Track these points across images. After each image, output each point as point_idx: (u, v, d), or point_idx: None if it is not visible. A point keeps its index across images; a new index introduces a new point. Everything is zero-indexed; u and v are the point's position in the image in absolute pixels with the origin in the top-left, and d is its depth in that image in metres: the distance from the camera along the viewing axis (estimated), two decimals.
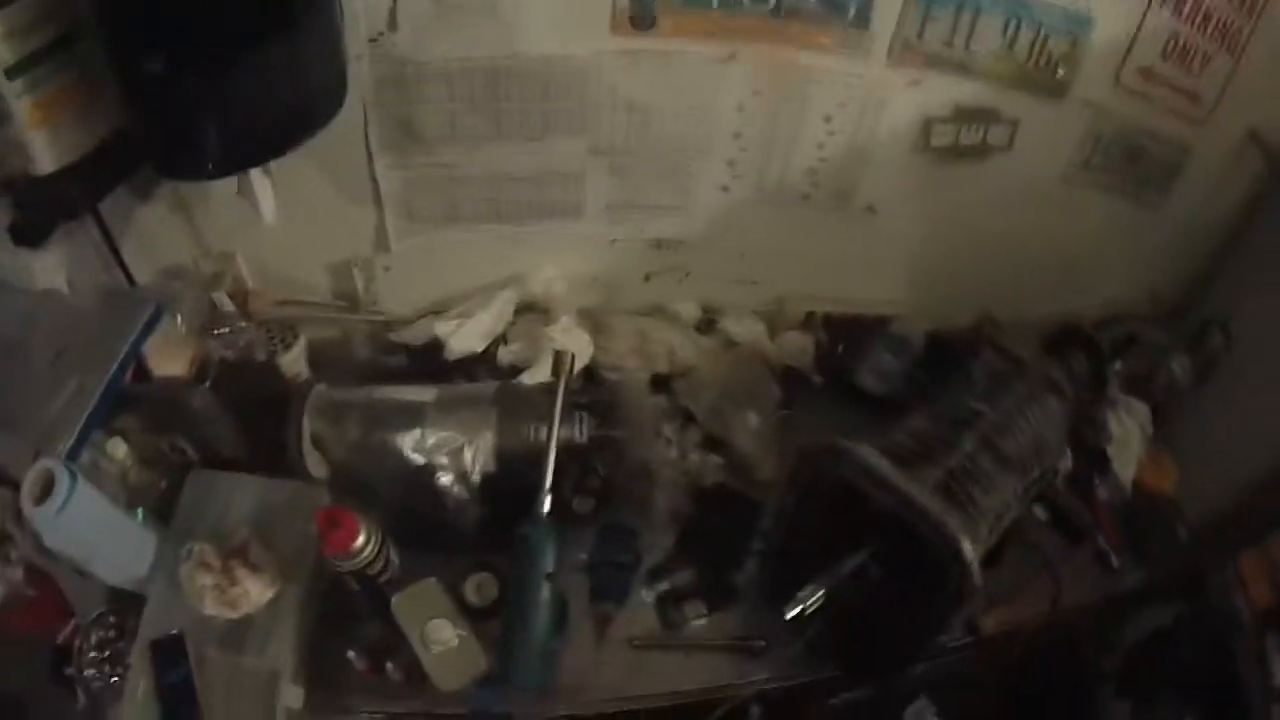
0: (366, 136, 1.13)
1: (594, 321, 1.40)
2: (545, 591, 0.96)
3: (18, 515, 1.08)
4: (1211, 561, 1.41)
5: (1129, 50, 1.18)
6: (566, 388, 1.07)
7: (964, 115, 1.21)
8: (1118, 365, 1.29)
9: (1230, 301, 1.49)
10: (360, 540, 0.97)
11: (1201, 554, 1.42)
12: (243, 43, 0.85)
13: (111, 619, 1.07)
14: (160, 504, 1.14)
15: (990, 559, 1.15)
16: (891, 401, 1.40)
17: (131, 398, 1.10)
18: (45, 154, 0.91)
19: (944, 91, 1.18)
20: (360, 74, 1.04)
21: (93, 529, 0.99)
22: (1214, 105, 1.27)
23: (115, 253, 1.13)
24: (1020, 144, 1.25)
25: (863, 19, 1.09)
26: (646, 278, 1.42)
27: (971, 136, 1.23)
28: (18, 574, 1.08)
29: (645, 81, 1.13)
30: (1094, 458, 1.38)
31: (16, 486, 0.95)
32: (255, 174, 1.09)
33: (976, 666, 1.46)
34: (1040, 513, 1.37)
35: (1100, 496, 1.39)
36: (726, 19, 1.08)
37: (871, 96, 1.18)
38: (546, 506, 0.99)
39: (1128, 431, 1.38)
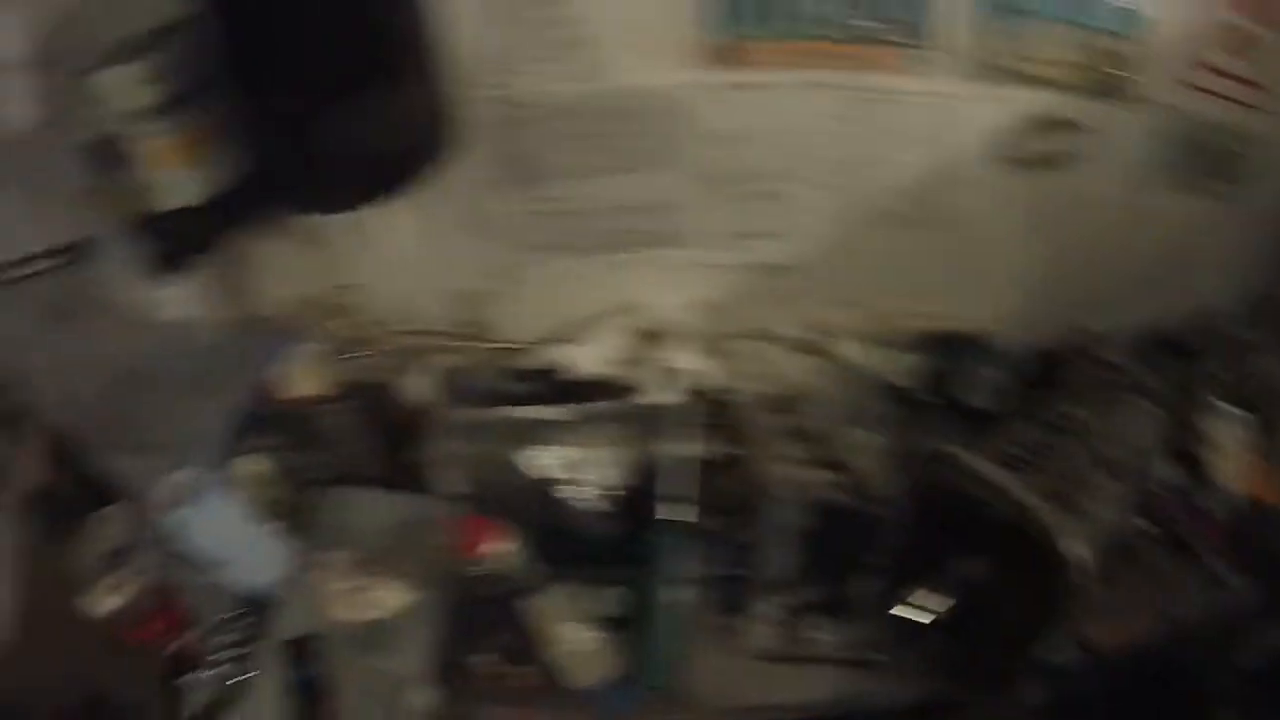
0: (482, 172, 1.20)
1: (708, 345, 1.42)
2: (674, 598, 0.98)
3: (141, 528, 1.12)
4: None
5: (1192, 47, 1.20)
6: (686, 407, 1.11)
7: (1040, 125, 1.24)
8: (1211, 370, 1.28)
9: None
10: (500, 548, 1.01)
11: None
12: (372, 84, 0.92)
13: (238, 623, 1.10)
14: (294, 520, 1.18)
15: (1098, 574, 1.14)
16: (995, 415, 1.39)
17: (264, 420, 1.16)
18: (182, 191, 0.99)
19: (1019, 103, 1.22)
20: (475, 114, 1.12)
21: (229, 534, 1.05)
22: None
23: (244, 285, 1.21)
24: (1096, 150, 1.27)
25: (935, 37, 1.15)
26: (755, 302, 1.43)
27: (1050, 145, 1.26)
28: (139, 585, 1.11)
29: (734, 112, 1.20)
30: (1197, 469, 1.36)
31: (144, 502, 1.01)
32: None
33: (1093, 688, 1.42)
34: (1146, 526, 1.35)
35: (1208, 509, 1.36)
36: (806, 46, 1.15)
37: (952, 113, 1.22)
38: (673, 518, 1.01)
39: (1229, 440, 1.36)
